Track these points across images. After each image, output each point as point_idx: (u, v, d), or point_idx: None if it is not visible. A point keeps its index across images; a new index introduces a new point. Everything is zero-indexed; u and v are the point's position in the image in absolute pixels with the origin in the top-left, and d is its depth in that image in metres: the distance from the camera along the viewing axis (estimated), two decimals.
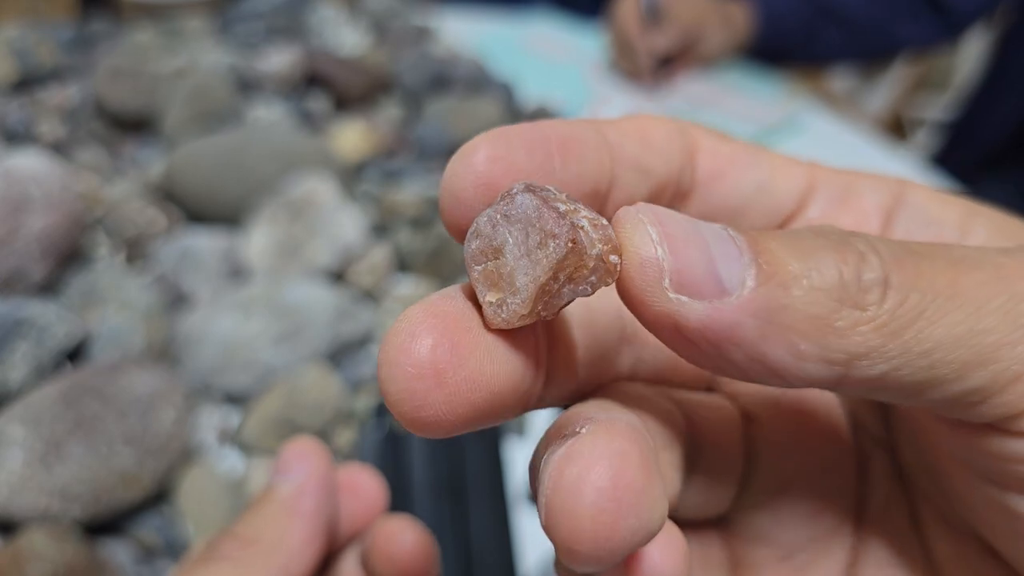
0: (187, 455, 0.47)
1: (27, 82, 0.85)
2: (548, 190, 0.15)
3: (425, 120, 0.83)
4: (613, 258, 0.14)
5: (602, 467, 0.13)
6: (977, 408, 0.14)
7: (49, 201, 0.54)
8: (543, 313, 0.15)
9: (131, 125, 0.77)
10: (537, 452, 0.17)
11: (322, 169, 0.66)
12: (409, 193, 0.68)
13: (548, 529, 0.14)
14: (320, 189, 0.62)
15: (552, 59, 1.09)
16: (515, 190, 0.15)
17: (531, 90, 0.98)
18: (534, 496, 0.15)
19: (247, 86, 0.82)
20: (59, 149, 0.73)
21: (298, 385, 0.50)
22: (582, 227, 0.14)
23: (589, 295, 0.15)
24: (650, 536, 0.14)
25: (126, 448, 0.44)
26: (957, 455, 0.16)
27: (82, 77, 0.85)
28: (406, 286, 0.63)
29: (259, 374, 0.53)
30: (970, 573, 0.18)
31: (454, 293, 0.16)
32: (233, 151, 0.65)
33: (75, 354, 0.52)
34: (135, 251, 0.62)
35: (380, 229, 0.68)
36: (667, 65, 1.00)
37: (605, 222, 0.15)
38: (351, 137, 0.75)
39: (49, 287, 0.56)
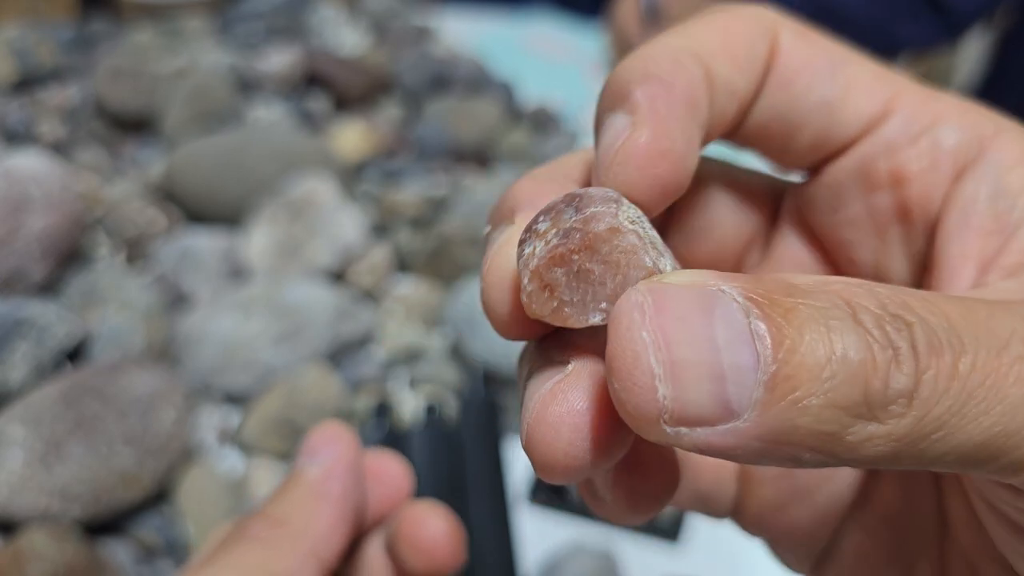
0: (187, 455, 0.47)
1: (27, 82, 0.85)
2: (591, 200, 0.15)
3: (425, 120, 0.83)
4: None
5: (579, 412, 0.14)
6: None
7: (49, 201, 0.55)
8: (560, 308, 0.15)
9: (131, 125, 0.77)
10: (527, 358, 0.17)
11: (322, 169, 0.66)
12: (409, 193, 0.68)
13: (526, 450, 0.14)
14: (320, 189, 0.62)
15: (552, 59, 1.09)
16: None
17: (531, 90, 0.98)
18: (521, 391, 0.16)
19: (247, 86, 0.82)
20: (59, 149, 0.73)
21: (298, 385, 0.50)
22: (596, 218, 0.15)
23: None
24: (614, 461, 0.15)
25: (126, 448, 0.44)
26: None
27: (82, 77, 0.85)
28: (406, 286, 0.63)
29: (259, 374, 0.53)
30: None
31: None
32: (233, 151, 0.65)
33: (75, 354, 0.52)
34: (135, 251, 0.62)
35: (380, 229, 0.68)
36: None
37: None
38: (351, 137, 0.75)
39: (49, 287, 0.56)
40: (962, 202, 0.17)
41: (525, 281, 0.15)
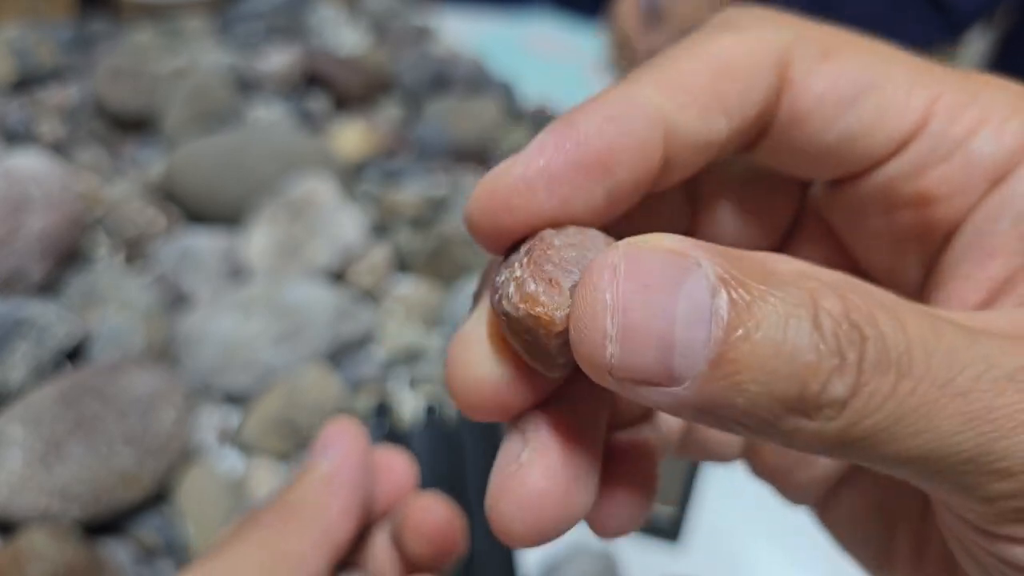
0: (187, 455, 0.47)
1: (27, 82, 0.85)
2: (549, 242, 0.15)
3: (425, 120, 0.83)
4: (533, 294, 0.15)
5: (538, 492, 0.15)
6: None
7: (49, 201, 0.55)
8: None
9: (131, 125, 0.77)
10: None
11: (322, 169, 0.66)
12: (409, 193, 0.68)
13: (489, 514, 0.16)
14: (320, 189, 0.62)
15: (551, 59, 1.09)
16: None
17: (531, 90, 0.98)
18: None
19: (247, 86, 0.82)
20: (59, 149, 0.73)
21: (298, 385, 0.50)
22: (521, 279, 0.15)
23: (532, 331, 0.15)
24: (571, 527, 0.16)
25: (126, 448, 0.44)
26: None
27: (82, 77, 0.85)
28: (406, 286, 0.63)
29: (259, 374, 0.53)
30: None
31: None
32: (233, 151, 0.65)
33: (75, 354, 0.52)
34: (135, 251, 0.62)
35: (380, 229, 0.68)
36: None
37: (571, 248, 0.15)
38: (351, 137, 0.75)
39: (49, 287, 0.56)
40: (984, 219, 0.16)
41: (511, 306, 0.15)
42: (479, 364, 0.16)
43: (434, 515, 0.23)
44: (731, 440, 0.22)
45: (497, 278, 0.16)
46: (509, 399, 0.16)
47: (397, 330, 0.59)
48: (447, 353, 0.16)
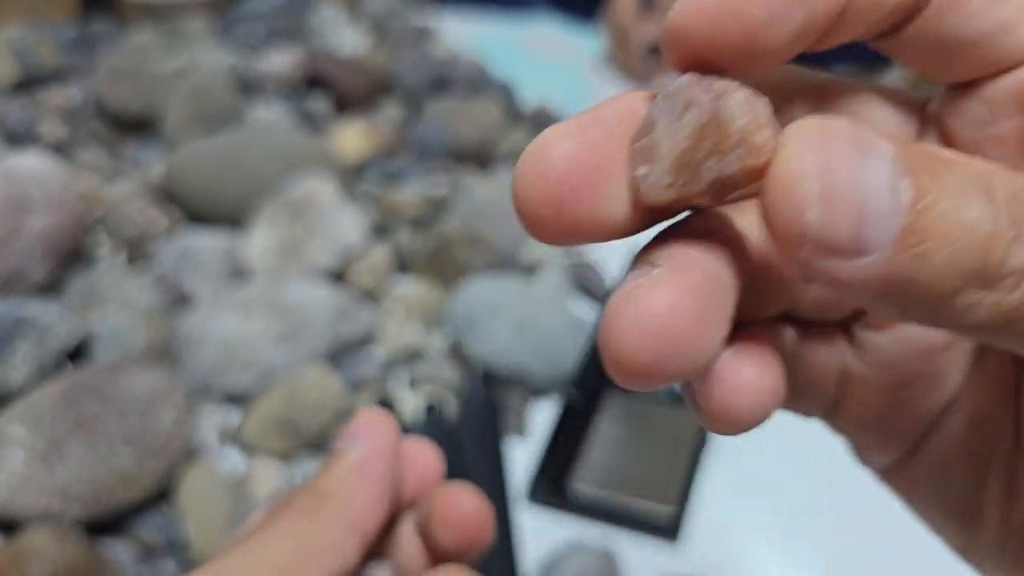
0: (188, 455, 0.47)
1: (28, 82, 0.85)
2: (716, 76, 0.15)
3: (425, 120, 0.83)
4: (759, 138, 0.14)
5: (655, 317, 0.14)
6: None
7: (50, 201, 0.55)
8: (692, 189, 0.15)
9: (132, 125, 0.78)
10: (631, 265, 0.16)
11: (322, 169, 0.66)
12: (409, 193, 0.69)
13: (600, 348, 0.14)
14: (320, 189, 0.62)
15: (551, 59, 1.09)
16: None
17: (530, 90, 0.99)
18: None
19: (247, 87, 0.82)
20: (60, 149, 0.73)
21: (298, 385, 0.51)
22: (732, 98, 0.14)
23: (738, 184, 0.14)
24: (694, 373, 0.14)
25: (126, 448, 0.44)
26: None
27: (83, 77, 0.85)
28: (406, 286, 0.63)
29: (259, 374, 0.53)
30: None
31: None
32: (233, 151, 0.65)
33: (76, 354, 0.53)
34: (136, 251, 0.62)
35: (380, 229, 0.68)
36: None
37: (764, 100, 0.14)
38: (351, 137, 0.75)
39: (50, 287, 0.56)
40: None
41: (648, 169, 0.15)
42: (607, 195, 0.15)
43: (462, 505, 0.23)
44: (825, 393, 0.21)
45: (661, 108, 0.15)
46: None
47: (397, 330, 0.59)
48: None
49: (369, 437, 0.23)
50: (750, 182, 0.14)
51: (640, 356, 0.14)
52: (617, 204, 0.15)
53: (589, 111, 0.16)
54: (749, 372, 0.15)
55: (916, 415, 0.20)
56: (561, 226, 0.15)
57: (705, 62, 0.15)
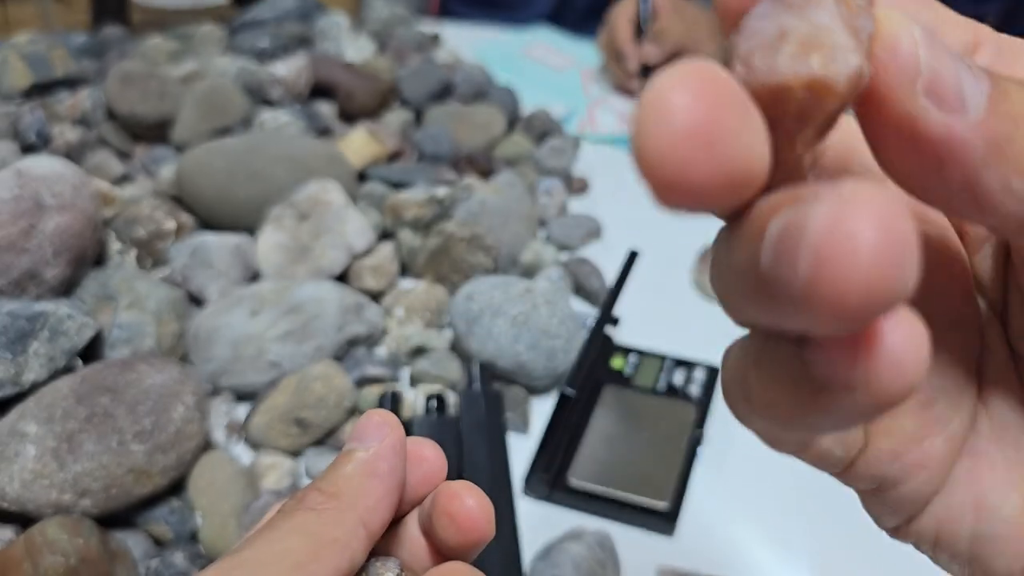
0: (197, 450, 0.48)
1: (40, 88, 0.86)
2: None
3: (429, 125, 0.84)
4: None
5: (876, 218, 0.12)
6: None
7: (62, 203, 0.56)
8: (864, 51, 0.14)
9: (142, 130, 0.79)
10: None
11: (329, 172, 0.67)
12: (413, 196, 0.70)
13: (809, 288, 0.12)
14: (327, 192, 0.63)
15: (551, 66, 1.10)
16: None
17: (531, 96, 1.00)
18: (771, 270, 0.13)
19: (255, 92, 0.84)
20: (71, 154, 0.74)
21: (305, 381, 0.52)
22: None
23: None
24: (903, 298, 0.13)
25: (137, 443, 0.45)
26: None
27: (94, 83, 0.87)
28: (410, 286, 0.64)
29: (267, 371, 0.54)
30: None
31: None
32: (242, 155, 0.66)
33: (88, 352, 0.53)
34: (147, 252, 0.63)
35: (385, 231, 0.70)
36: (652, 75, 1.02)
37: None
38: (357, 142, 0.77)
39: (62, 287, 0.57)
40: None
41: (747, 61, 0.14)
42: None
43: (464, 502, 0.23)
44: (851, 441, 0.20)
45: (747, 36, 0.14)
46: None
47: (401, 328, 0.60)
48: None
49: (377, 437, 0.24)
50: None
51: (670, 157, 0.13)
52: (760, 142, 0.14)
53: (679, 65, 0.14)
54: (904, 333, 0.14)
55: (950, 438, 0.20)
56: (707, 178, 0.13)
57: None
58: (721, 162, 0.13)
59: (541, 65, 1.10)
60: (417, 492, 0.25)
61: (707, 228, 0.77)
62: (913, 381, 0.13)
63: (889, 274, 0.12)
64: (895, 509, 0.21)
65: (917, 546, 0.22)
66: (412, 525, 0.25)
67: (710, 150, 0.13)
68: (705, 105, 0.13)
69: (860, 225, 0.12)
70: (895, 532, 0.22)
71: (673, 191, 0.14)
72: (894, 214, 0.12)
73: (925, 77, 0.14)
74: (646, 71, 0.99)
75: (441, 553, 0.24)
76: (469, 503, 0.23)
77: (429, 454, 0.25)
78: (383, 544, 0.24)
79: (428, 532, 0.24)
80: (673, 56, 0.99)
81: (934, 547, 0.21)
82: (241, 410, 0.55)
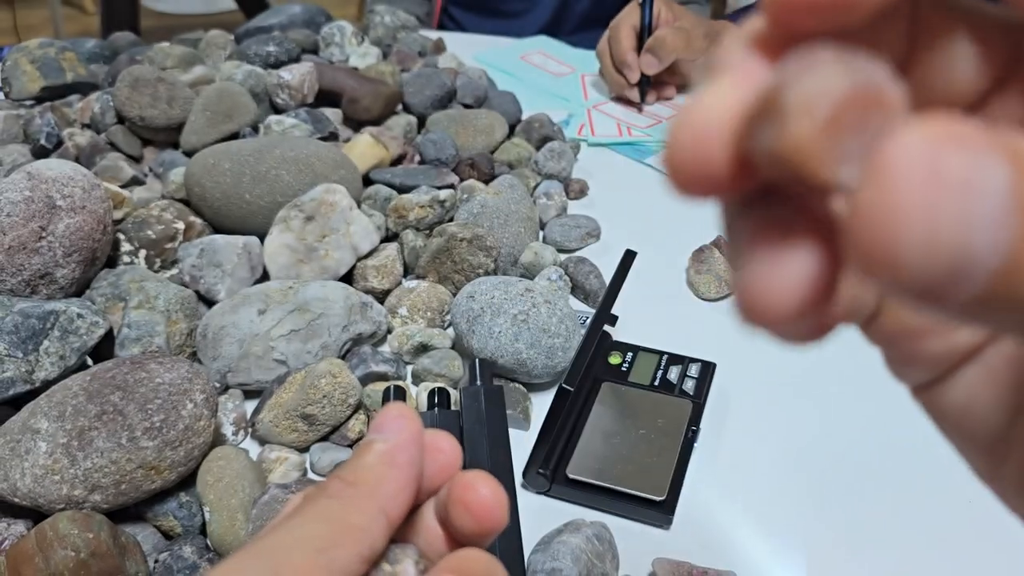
0: (206, 446, 0.49)
1: (51, 92, 0.88)
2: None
3: (431, 130, 0.85)
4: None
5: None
6: None
7: (73, 204, 0.57)
8: None
9: (151, 134, 0.80)
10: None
11: (334, 176, 0.69)
12: (416, 199, 0.71)
13: (865, 233, 0.12)
14: (333, 194, 0.64)
15: (550, 71, 1.11)
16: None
17: (531, 101, 1.01)
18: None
19: (262, 98, 0.85)
20: (82, 157, 0.76)
21: (312, 379, 0.53)
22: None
23: None
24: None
25: (147, 439, 0.45)
26: None
27: (104, 88, 0.88)
28: (413, 286, 0.65)
29: (274, 368, 0.55)
30: None
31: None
32: (249, 158, 0.67)
33: (99, 350, 0.54)
34: (156, 253, 0.64)
35: (389, 232, 0.71)
36: (653, 87, 1.02)
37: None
38: (361, 146, 0.78)
39: (73, 287, 0.58)
40: None
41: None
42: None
43: (480, 491, 0.24)
44: (865, 301, 0.20)
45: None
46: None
47: (404, 327, 0.61)
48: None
49: (396, 429, 0.25)
50: None
51: (691, 157, 0.14)
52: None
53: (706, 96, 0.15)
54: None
55: (954, 343, 0.19)
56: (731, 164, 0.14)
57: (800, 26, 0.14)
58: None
59: (540, 71, 1.11)
60: (433, 482, 0.26)
61: (700, 230, 0.79)
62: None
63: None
64: (926, 362, 0.20)
65: (941, 420, 0.21)
66: (428, 514, 0.25)
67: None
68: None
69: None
70: (919, 392, 0.21)
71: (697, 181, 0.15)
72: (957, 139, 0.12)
73: (906, 276, 0.12)
74: (643, 81, 1.00)
75: (456, 541, 0.25)
76: (484, 492, 0.24)
77: (445, 446, 0.26)
78: (401, 532, 0.25)
79: (444, 521, 0.25)
80: (670, 66, 1.00)
81: (960, 421, 0.20)
82: (249, 406, 0.56)
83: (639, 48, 0.98)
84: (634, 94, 1.00)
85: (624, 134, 0.96)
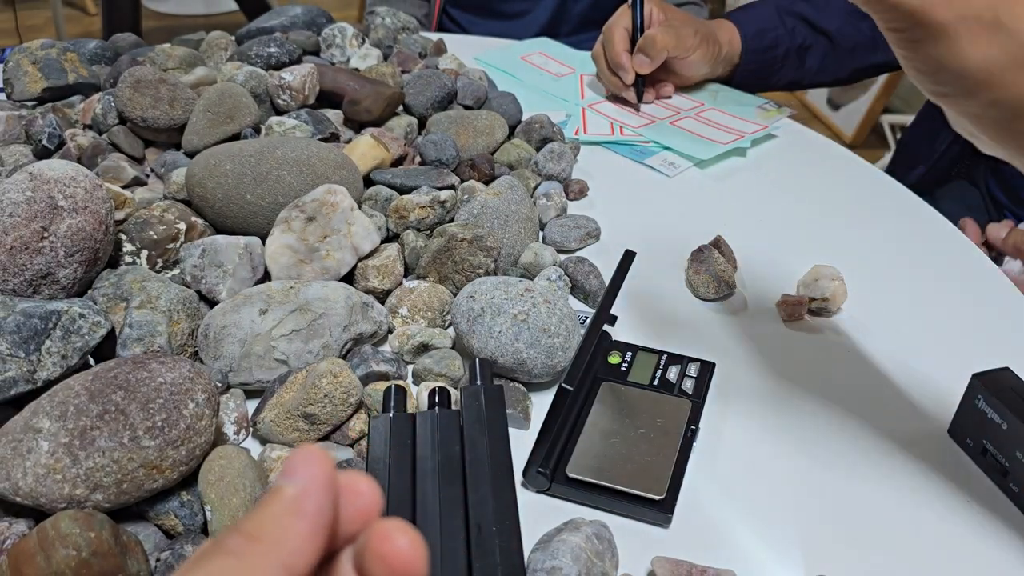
0: (207, 445, 0.49)
1: (53, 93, 0.88)
2: None
3: (432, 131, 0.86)
4: None
5: None
6: None
7: (75, 205, 0.57)
8: None
9: (153, 135, 0.80)
10: None
11: (336, 176, 0.69)
12: (417, 199, 0.71)
13: None
14: (334, 195, 0.64)
15: (550, 72, 1.11)
16: None
17: (531, 101, 1.01)
18: None
19: (264, 99, 0.85)
20: (84, 158, 0.76)
21: (313, 378, 0.53)
22: None
23: None
24: None
25: (149, 439, 0.45)
26: None
27: (106, 88, 0.88)
28: (414, 286, 0.65)
29: (276, 368, 0.56)
30: None
31: None
32: (250, 159, 0.68)
33: (101, 350, 0.55)
34: (158, 253, 0.64)
35: (390, 233, 0.71)
36: (651, 86, 1.03)
37: None
38: (362, 147, 0.78)
39: (75, 287, 0.58)
40: None
41: None
42: None
43: (396, 541, 0.22)
44: None
45: None
46: None
47: (405, 327, 0.62)
48: None
49: (306, 472, 0.23)
50: None
51: None
52: None
53: None
54: None
55: None
56: None
57: None
58: None
59: (541, 71, 1.12)
60: (351, 527, 0.24)
61: (699, 230, 0.79)
62: None
63: None
64: None
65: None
66: (346, 562, 0.24)
67: None
68: None
69: None
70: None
71: None
72: None
73: None
74: (638, 81, 1.00)
75: None
76: (401, 543, 0.22)
77: (364, 488, 0.24)
78: None
79: (361, 571, 0.23)
80: (667, 65, 1.00)
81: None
82: (250, 406, 0.56)
83: (633, 49, 0.98)
84: (631, 95, 1.01)
85: (616, 133, 0.96)
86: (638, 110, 1.02)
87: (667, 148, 0.94)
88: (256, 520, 0.23)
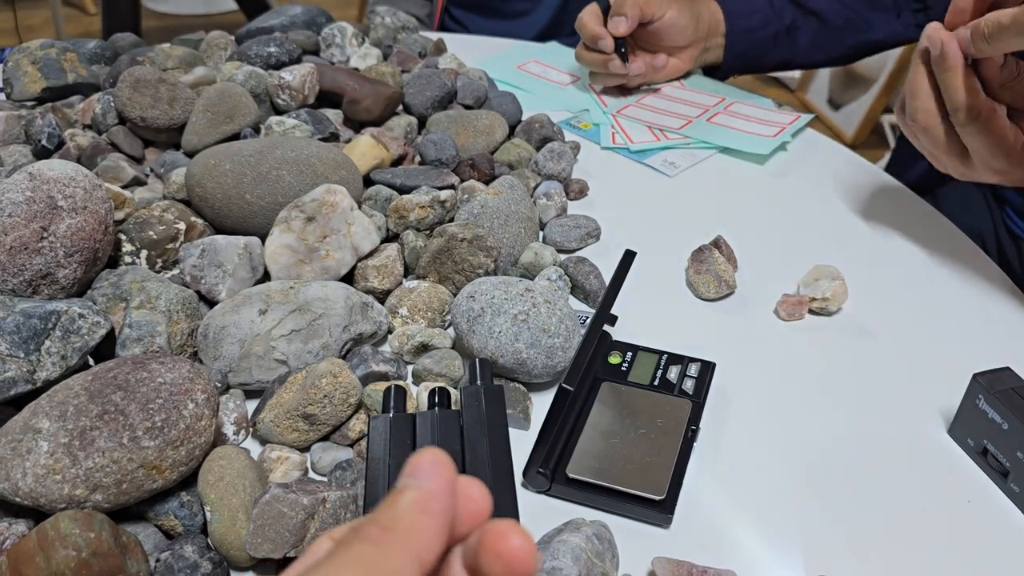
0: (207, 445, 0.49)
1: (52, 93, 0.88)
2: None
3: (432, 130, 0.86)
4: None
5: None
6: None
7: (74, 205, 0.57)
8: None
9: (153, 134, 0.80)
10: None
11: (335, 176, 0.69)
12: (417, 199, 0.71)
13: None
14: (333, 195, 0.64)
15: (550, 80, 1.11)
16: None
17: (531, 102, 1.01)
18: None
19: (263, 99, 0.85)
20: (83, 158, 0.76)
21: (313, 378, 0.53)
22: None
23: None
24: None
25: (148, 439, 0.45)
26: None
27: (105, 88, 0.88)
28: (414, 286, 0.65)
29: (275, 368, 0.56)
30: None
31: None
32: (250, 159, 0.68)
33: (100, 350, 0.55)
34: (157, 253, 0.64)
35: (390, 233, 0.71)
36: (638, 58, 1.01)
37: None
38: (362, 146, 0.78)
39: (75, 287, 0.58)
40: None
41: None
42: None
43: (511, 539, 0.24)
44: None
45: None
46: None
47: (405, 327, 0.62)
48: None
49: (430, 475, 0.25)
50: None
51: None
52: None
53: None
54: None
55: None
56: None
57: None
58: None
59: (544, 81, 1.10)
60: (462, 529, 0.26)
61: (700, 230, 0.79)
62: None
63: None
64: None
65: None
66: (455, 561, 0.26)
67: None
68: None
69: None
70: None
71: None
72: None
73: None
74: (619, 45, 0.98)
75: None
76: (516, 542, 0.24)
77: (476, 494, 0.26)
78: None
79: (472, 568, 0.25)
80: (648, 35, 0.99)
81: None
82: (250, 406, 0.56)
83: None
84: (616, 64, 0.99)
85: (661, 138, 0.95)
86: (630, 82, 1.00)
87: (724, 150, 0.93)
88: (390, 513, 0.24)
